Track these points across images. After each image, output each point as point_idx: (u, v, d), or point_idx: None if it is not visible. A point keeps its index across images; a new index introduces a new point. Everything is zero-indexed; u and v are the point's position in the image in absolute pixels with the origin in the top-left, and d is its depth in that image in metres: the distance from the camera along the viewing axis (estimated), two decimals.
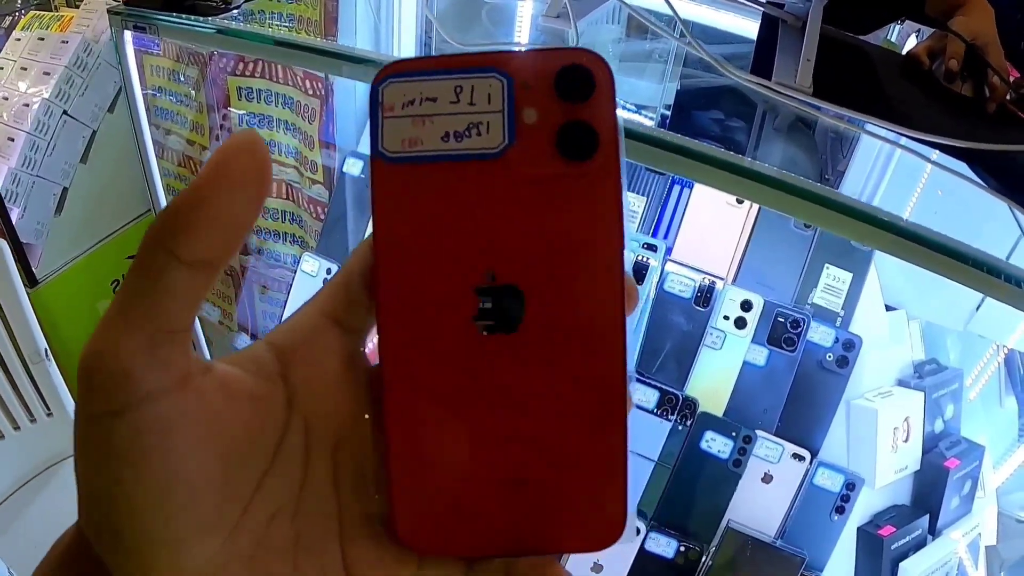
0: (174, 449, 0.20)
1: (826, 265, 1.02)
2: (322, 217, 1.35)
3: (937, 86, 0.82)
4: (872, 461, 0.99)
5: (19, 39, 1.57)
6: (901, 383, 1.06)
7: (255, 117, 1.36)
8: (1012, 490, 1.13)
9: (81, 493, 0.21)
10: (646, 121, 1.19)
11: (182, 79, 1.42)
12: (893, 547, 0.99)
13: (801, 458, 0.98)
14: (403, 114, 0.23)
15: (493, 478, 0.24)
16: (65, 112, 1.48)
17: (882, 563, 0.99)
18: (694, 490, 1.02)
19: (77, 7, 1.63)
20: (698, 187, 1.07)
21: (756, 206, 1.04)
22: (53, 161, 1.48)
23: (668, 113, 1.21)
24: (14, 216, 1.44)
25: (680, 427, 1.00)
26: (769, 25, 0.88)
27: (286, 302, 1.36)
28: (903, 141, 0.77)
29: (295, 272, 1.31)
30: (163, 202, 1.37)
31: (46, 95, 1.46)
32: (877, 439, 0.98)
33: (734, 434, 0.99)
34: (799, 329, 0.99)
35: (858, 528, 1.01)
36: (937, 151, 0.76)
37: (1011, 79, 0.83)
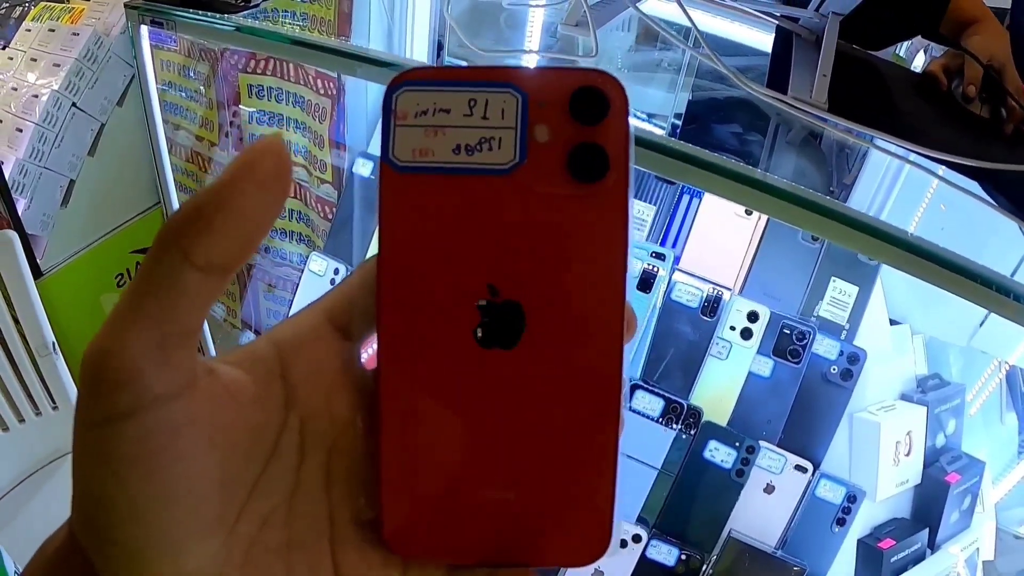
0: (180, 453, 0.20)
1: (833, 278, 1.03)
2: (330, 217, 1.35)
3: (954, 105, 0.83)
4: (874, 474, 1.00)
5: (29, 30, 1.57)
6: (904, 397, 1.07)
7: (265, 115, 1.36)
8: (1011, 506, 1.14)
9: (77, 494, 0.21)
10: (656, 130, 1.20)
11: (193, 75, 1.42)
12: (892, 560, 1.00)
13: (803, 469, 0.99)
14: (416, 123, 0.23)
15: (481, 488, 0.24)
16: (74, 104, 1.48)
17: (881, 575, 1.00)
18: (696, 499, 1.02)
19: None
20: (707, 197, 1.07)
21: (765, 217, 1.05)
22: (61, 153, 1.47)
23: (679, 123, 1.22)
24: (20, 207, 1.43)
25: (684, 436, 1.01)
26: (784, 40, 0.89)
27: (292, 301, 1.36)
28: (912, 157, 0.78)
29: (301, 271, 1.32)
30: (173, 197, 1.37)
31: (55, 87, 1.46)
32: (879, 452, 0.99)
33: (737, 444, 0.99)
34: (804, 341, 1.00)
35: (858, 540, 1.02)
36: (943, 167, 0.77)
37: None
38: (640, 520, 1.03)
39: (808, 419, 1.01)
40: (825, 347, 1.00)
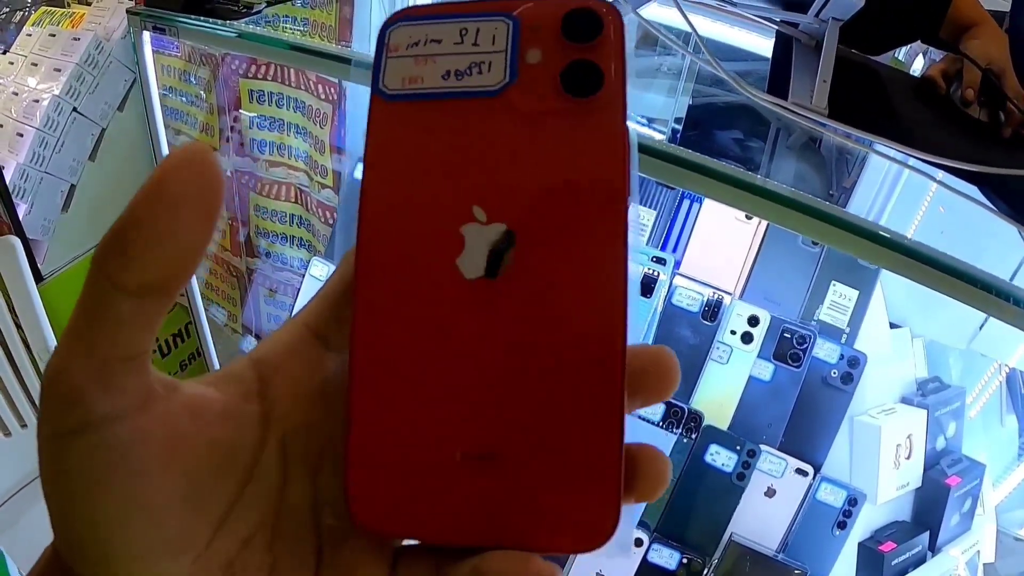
0: (133, 469, 0.20)
1: (833, 282, 1.03)
2: (331, 222, 1.35)
3: (953, 109, 0.83)
4: (874, 477, 1.00)
5: (30, 34, 1.57)
6: (904, 400, 1.07)
7: (266, 120, 1.36)
8: (1011, 508, 1.14)
9: (49, 510, 0.21)
10: (656, 135, 1.20)
11: (193, 80, 1.42)
12: (893, 563, 1.00)
13: (804, 473, 0.99)
14: (406, 54, 0.23)
15: (464, 454, 0.21)
16: (75, 109, 1.48)
17: None
18: (697, 502, 1.02)
19: (89, 4, 1.63)
20: (707, 202, 1.07)
21: (765, 222, 1.05)
22: (62, 158, 1.47)
23: (679, 128, 1.22)
24: (21, 212, 1.44)
25: (685, 440, 1.01)
26: (784, 45, 0.89)
27: (293, 306, 1.37)
28: (911, 161, 0.79)
29: (303, 276, 1.32)
30: None
31: (56, 91, 1.46)
32: (880, 455, 0.99)
33: (738, 448, 1.00)
34: (805, 345, 1.00)
35: (859, 543, 1.02)
36: (942, 171, 0.77)
37: None
38: (641, 524, 1.03)
39: (809, 423, 1.02)
40: (825, 351, 1.01)
